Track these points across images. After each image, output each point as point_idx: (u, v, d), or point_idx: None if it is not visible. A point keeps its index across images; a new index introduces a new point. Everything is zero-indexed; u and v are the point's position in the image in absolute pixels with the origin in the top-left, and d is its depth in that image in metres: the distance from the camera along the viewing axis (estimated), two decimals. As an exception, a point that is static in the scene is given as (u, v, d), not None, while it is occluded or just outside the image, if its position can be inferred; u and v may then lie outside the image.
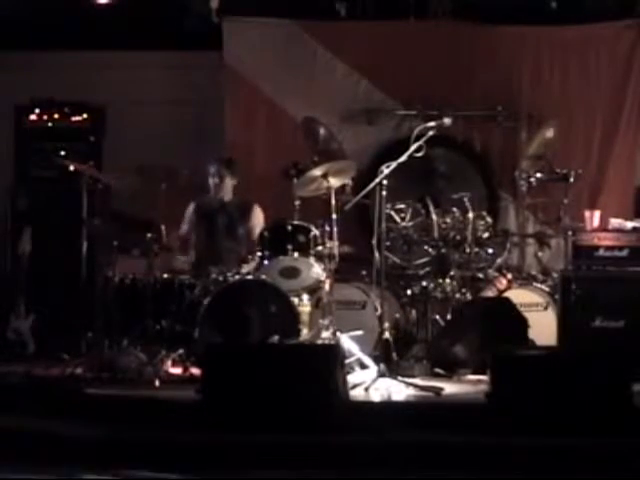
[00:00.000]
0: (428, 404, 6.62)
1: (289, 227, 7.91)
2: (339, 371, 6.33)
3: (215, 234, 8.33)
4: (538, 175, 8.26)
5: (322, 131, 8.65)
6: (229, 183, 8.40)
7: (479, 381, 7.03)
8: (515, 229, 9.06)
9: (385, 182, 7.16)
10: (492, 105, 9.35)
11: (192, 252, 8.39)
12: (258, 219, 8.41)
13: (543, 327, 7.60)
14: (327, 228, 7.71)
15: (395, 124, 9.42)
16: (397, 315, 8.01)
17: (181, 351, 7.42)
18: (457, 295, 8.08)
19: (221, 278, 7.73)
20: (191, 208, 8.47)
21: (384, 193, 7.17)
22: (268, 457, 5.87)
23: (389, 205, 7.73)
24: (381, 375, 6.96)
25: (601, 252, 7.65)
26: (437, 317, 8.02)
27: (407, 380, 6.99)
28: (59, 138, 9.53)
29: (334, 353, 6.51)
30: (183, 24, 9.46)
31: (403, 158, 7.23)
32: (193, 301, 7.64)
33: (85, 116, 9.61)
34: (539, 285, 8.06)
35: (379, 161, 7.75)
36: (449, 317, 7.90)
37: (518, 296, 7.76)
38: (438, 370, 7.54)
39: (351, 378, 6.84)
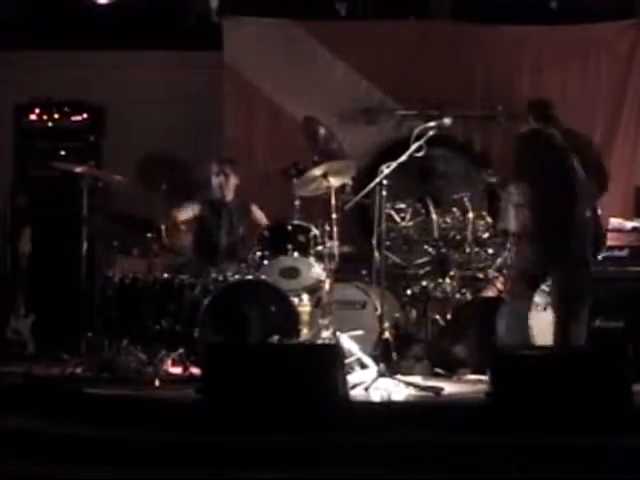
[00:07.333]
0: (428, 404, 6.61)
1: (289, 227, 7.92)
2: (339, 371, 6.32)
3: (217, 234, 8.32)
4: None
5: (322, 131, 8.63)
6: (233, 182, 8.41)
7: (479, 381, 7.04)
8: (515, 229, 9.03)
9: (385, 182, 7.16)
10: (492, 105, 9.35)
11: (191, 251, 8.40)
12: (257, 218, 8.43)
13: (543, 327, 7.58)
14: (327, 228, 7.72)
15: (395, 124, 9.41)
16: (397, 315, 8.01)
17: (181, 351, 7.42)
18: (457, 295, 8.07)
19: (221, 278, 7.73)
20: (196, 204, 8.45)
21: (384, 193, 7.17)
22: (268, 457, 5.86)
23: (389, 205, 7.74)
24: (381, 375, 6.95)
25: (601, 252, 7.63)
26: (437, 317, 8.02)
27: (407, 380, 6.99)
28: (59, 138, 9.54)
29: (334, 353, 6.51)
30: (183, 24, 9.46)
31: (403, 158, 7.22)
32: (193, 301, 7.64)
33: (85, 116, 9.61)
34: (539, 285, 8.05)
35: (379, 161, 7.74)
36: (449, 317, 7.89)
37: (518, 296, 7.74)
38: (438, 370, 7.55)
39: (351, 378, 6.84)
